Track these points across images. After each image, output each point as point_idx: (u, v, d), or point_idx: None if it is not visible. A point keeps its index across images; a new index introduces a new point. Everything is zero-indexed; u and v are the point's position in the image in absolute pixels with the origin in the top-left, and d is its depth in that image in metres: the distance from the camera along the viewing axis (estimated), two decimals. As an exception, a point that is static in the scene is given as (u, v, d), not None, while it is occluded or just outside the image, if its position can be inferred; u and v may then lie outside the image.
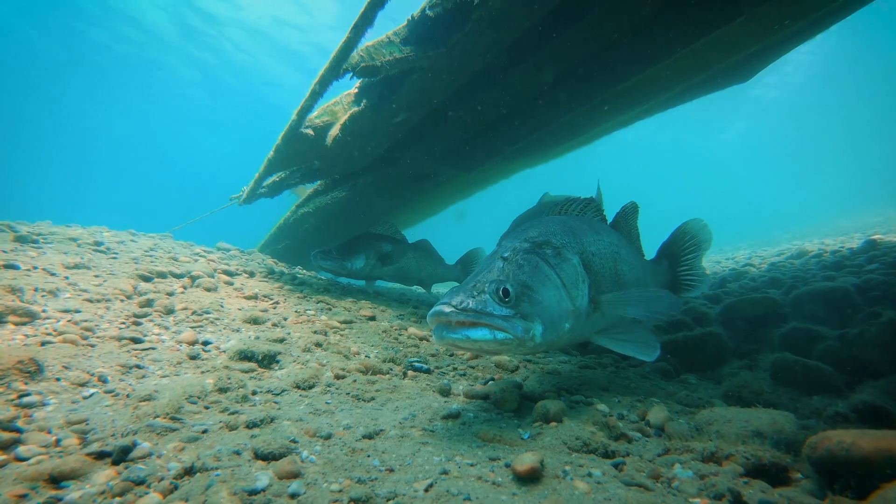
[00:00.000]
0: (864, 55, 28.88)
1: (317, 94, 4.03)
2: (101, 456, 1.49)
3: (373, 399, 2.14)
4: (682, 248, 3.75)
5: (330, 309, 3.85)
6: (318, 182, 6.65)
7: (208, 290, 3.75)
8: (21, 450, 1.50)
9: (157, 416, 1.79)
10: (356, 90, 4.93)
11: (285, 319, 3.32)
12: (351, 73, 3.84)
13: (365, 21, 3.22)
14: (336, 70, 3.73)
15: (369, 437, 1.76)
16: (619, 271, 2.60)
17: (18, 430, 1.60)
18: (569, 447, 1.75)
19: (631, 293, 2.42)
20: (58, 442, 1.59)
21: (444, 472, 1.51)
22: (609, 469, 1.61)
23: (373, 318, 3.75)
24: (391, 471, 1.53)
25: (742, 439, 1.77)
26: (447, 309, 1.83)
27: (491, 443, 1.79)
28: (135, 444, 1.55)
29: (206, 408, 1.94)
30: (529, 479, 1.49)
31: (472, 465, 1.59)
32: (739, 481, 1.48)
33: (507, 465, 1.58)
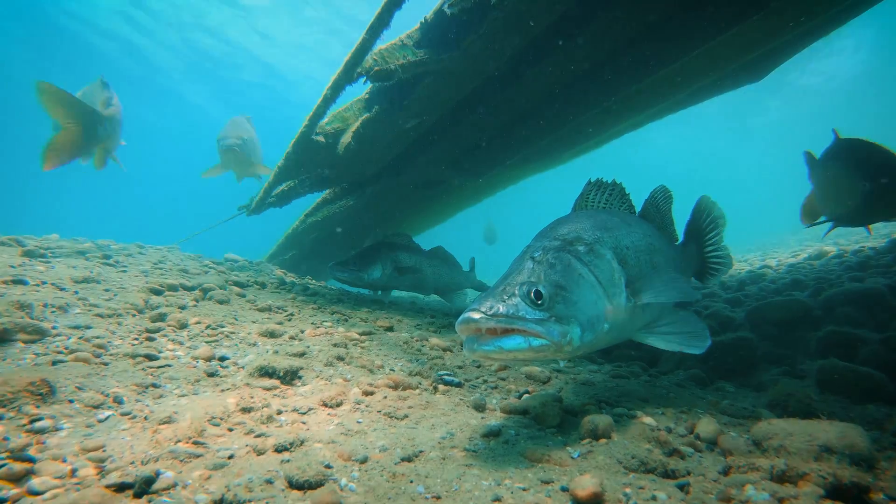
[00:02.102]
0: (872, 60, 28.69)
1: (329, 100, 3.94)
2: (121, 488, 1.37)
3: (406, 416, 2.01)
4: (703, 227, 3.58)
5: (346, 320, 3.73)
6: (327, 191, 6.56)
7: (221, 302, 3.64)
8: (35, 482, 1.37)
9: (179, 441, 1.66)
10: (367, 95, 4.85)
11: (302, 332, 3.20)
12: (365, 77, 3.75)
13: (381, 22, 3.12)
14: (350, 74, 3.64)
15: (408, 459, 1.63)
16: (656, 263, 2.45)
17: (31, 460, 1.47)
18: (625, 467, 1.62)
19: (659, 281, 2.22)
20: (73, 472, 1.46)
21: (497, 499, 1.38)
22: (674, 491, 1.47)
23: (391, 329, 3.63)
24: (438, 498, 1.39)
25: (812, 455, 1.63)
26: (476, 315, 1.70)
27: (539, 463, 1.65)
28: (158, 474, 1.43)
29: (230, 430, 1.82)
30: (591, 505, 1.36)
31: (524, 489, 1.46)
32: (823, 505, 1.35)
33: (564, 489, 1.44)
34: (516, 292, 1.77)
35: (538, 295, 1.76)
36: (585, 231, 2.14)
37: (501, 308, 1.73)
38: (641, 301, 2.10)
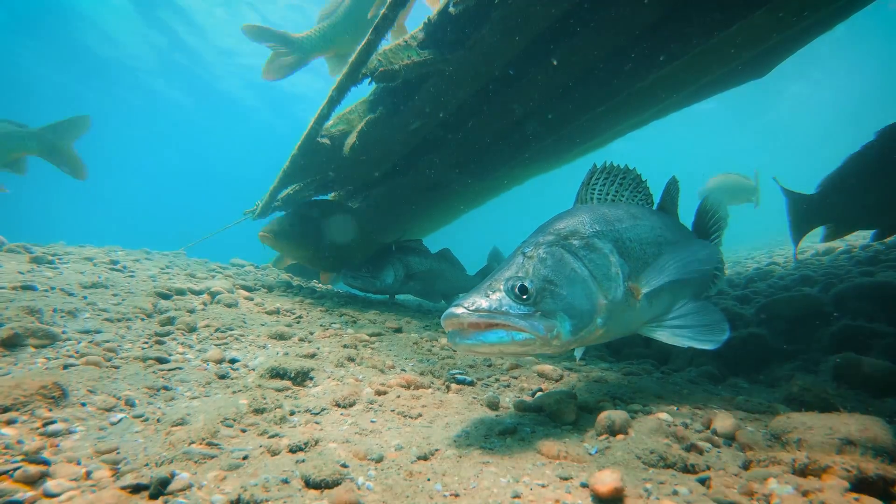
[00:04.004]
0: (870, 55, 28.53)
1: (334, 101, 3.94)
2: (136, 489, 1.35)
3: (420, 415, 2.00)
4: (708, 228, 3.50)
5: (355, 322, 3.72)
6: (332, 193, 6.55)
7: (229, 305, 3.63)
8: (50, 484, 1.36)
9: (193, 442, 1.65)
10: (371, 97, 4.84)
11: (312, 334, 3.19)
12: (369, 79, 3.75)
13: (386, 22, 3.12)
14: (355, 75, 3.63)
15: (424, 458, 1.61)
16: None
17: (46, 463, 1.46)
18: (644, 462, 1.60)
19: (661, 263, 2.11)
20: (88, 474, 1.45)
21: (517, 496, 1.36)
22: (695, 486, 1.45)
23: (399, 330, 3.62)
24: (457, 496, 1.38)
25: (833, 448, 1.61)
26: (459, 311, 1.71)
27: (557, 459, 1.63)
28: (173, 475, 1.41)
29: (244, 431, 1.80)
30: (612, 499, 1.34)
31: (543, 486, 1.44)
32: (850, 498, 1.32)
33: (584, 485, 1.42)
34: (501, 287, 1.78)
35: (523, 290, 1.76)
36: (584, 225, 2.11)
37: (484, 303, 1.73)
38: (642, 292, 2.06)
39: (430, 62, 3.85)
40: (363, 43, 3.32)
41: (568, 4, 3.89)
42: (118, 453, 1.60)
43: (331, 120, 4.53)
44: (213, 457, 1.57)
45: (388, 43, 3.71)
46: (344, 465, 1.52)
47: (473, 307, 1.72)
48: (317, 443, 1.69)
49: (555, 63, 4.67)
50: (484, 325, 1.71)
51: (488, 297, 1.76)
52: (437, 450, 1.67)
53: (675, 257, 2.13)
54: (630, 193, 2.53)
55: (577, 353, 2.33)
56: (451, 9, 3.36)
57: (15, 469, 1.39)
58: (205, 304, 3.60)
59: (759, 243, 16.76)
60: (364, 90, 4.79)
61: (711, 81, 5.84)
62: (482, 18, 3.76)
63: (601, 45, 4.60)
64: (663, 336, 2.16)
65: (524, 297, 1.75)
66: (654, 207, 2.74)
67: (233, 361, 2.59)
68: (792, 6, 4.37)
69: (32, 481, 1.38)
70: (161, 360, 2.44)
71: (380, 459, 1.59)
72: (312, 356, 2.68)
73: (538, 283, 1.80)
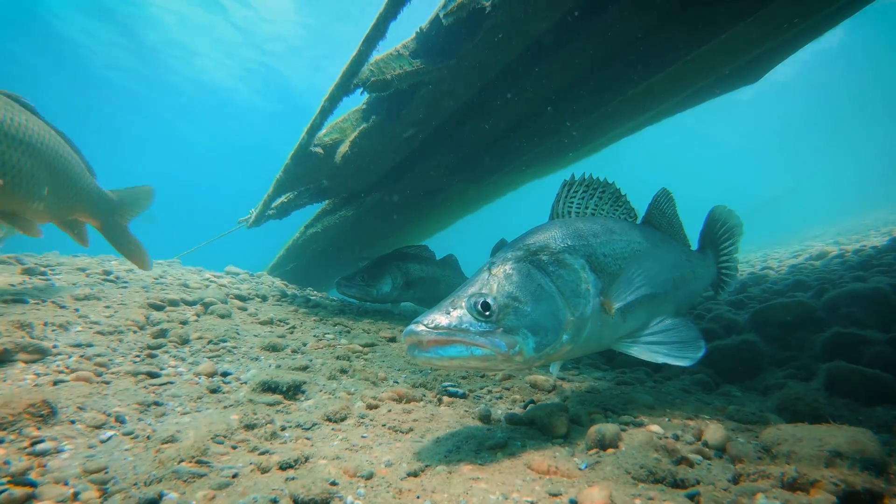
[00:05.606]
0: (877, 51, 28.72)
1: (326, 111, 3.95)
2: (124, 510, 1.35)
3: (411, 430, 1.99)
4: (718, 236, 3.52)
5: (349, 332, 3.71)
6: (326, 201, 6.56)
7: (222, 316, 3.62)
8: (36, 507, 1.36)
9: (182, 461, 1.64)
10: (364, 106, 4.86)
11: (305, 345, 3.19)
12: (361, 89, 3.76)
13: (377, 33, 3.13)
14: (346, 85, 3.64)
15: (414, 474, 1.61)
16: (645, 270, 2.38)
17: (32, 484, 1.45)
18: (633, 477, 1.60)
19: (629, 275, 2.11)
20: (76, 496, 1.44)
21: (505, 514, 1.36)
22: (684, 501, 1.45)
23: (393, 340, 3.61)
24: (446, 514, 1.37)
25: (822, 461, 1.61)
26: (418, 328, 1.73)
27: (546, 475, 1.63)
28: (161, 496, 1.41)
29: (234, 448, 1.80)
30: (600, 518, 1.34)
31: (533, 502, 1.43)
32: (837, 512, 1.33)
33: (573, 502, 1.42)
34: (462, 305, 1.79)
35: (485, 306, 1.77)
36: (555, 240, 2.10)
37: (444, 321, 1.75)
38: (615, 308, 2.06)
39: (422, 72, 3.87)
40: (354, 53, 3.33)
41: (559, 13, 3.91)
42: (107, 473, 1.59)
43: (323, 129, 4.54)
44: (202, 475, 1.56)
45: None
46: (333, 483, 1.52)
47: (433, 325, 1.74)
48: (307, 459, 1.69)
49: (548, 70, 4.69)
50: (444, 341, 1.73)
51: (449, 314, 1.77)
52: (427, 466, 1.66)
53: (642, 267, 2.12)
54: (610, 207, 2.51)
55: (553, 370, 2.32)
56: (442, 19, 3.37)
57: (0, 492, 1.38)
58: (198, 315, 3.59)
59: (756, 245, 16.84)
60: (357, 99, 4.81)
61: (704, 87, 5.88)
62: (475, 27, 3.78)
63: (595, 51, 4.62)
64: (638, 352, 2.15)
65: (486, 313, 1.77)
66: (639, 221, 2.74)
67: (225, 375, 2.59)
68: (782, 14, 4.41)
69: (18, 504, 1.37)
70: (152, 375, 2.43)
71: (370, 476, 1.58)
72: (305, 368, 2.68)
73: (501, 300, 1.81)
